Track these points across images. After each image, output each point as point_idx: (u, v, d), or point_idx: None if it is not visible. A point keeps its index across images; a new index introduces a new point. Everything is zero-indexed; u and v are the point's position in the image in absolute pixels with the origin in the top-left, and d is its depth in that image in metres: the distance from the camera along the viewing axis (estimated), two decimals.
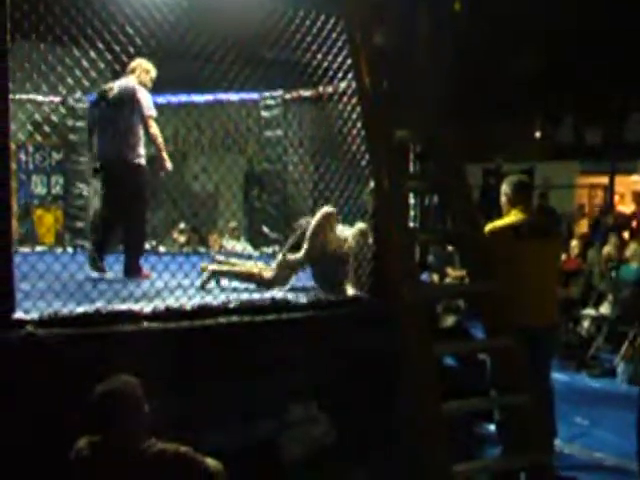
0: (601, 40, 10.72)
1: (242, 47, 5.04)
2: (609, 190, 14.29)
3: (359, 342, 4.50)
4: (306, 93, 6.89)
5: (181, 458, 2.82)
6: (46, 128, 5.81)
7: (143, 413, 2.84)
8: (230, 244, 8.96)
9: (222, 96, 7.38)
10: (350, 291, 4.95)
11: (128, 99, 5.67)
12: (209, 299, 4.47)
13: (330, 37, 5.06)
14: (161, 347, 3.89)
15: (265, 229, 7.89)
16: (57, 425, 3.36)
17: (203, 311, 4.22)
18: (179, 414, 3.64)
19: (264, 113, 7.67)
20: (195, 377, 3.93)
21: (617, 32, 10.45)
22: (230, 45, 4.99)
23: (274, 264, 5.36)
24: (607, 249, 9.17)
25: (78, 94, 7.33)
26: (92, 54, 5.36)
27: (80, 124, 7.78)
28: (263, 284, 5.20)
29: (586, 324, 8.29)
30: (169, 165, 5.82)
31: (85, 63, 5.27)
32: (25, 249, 7.40)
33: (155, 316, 4.03)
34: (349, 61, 4.84)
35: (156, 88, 6.01)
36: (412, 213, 5.54)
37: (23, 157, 8.70)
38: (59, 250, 7.47)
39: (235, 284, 5.31)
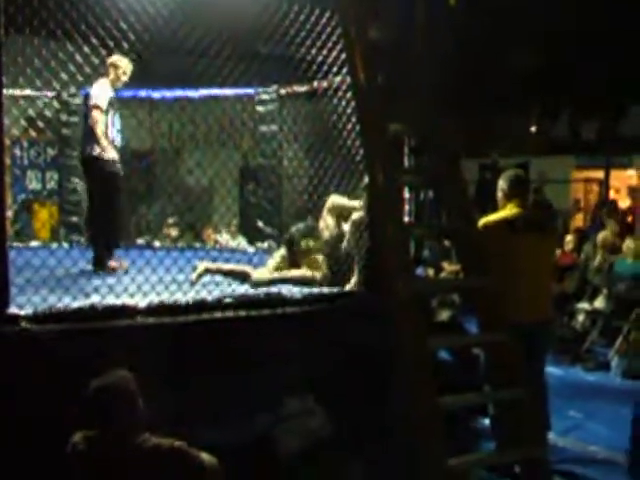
0: (599, 37, 10.73)
1: (236, 42, 5.03)
2: (604, 185, 14.29)
3: (354, 336, 4.50)
4: (301, 88, 6.88)
5: (176, 452, 2.82)
6: (40, 123, 5.81)
7: (138, 408, 2.84)
8: (224, 239, 8.95)
9: (217, 91, 7.37)
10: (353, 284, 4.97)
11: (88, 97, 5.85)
12: (204, 294, 4.47)
13: (324, 31, 5.05)
14: (156, 342, 3.90)
15: (260, 224, 7.89)
16: (52, 420, 3.35)
17: (198, 306, 4.22)
18: (174, 409, 3.64)
19: (259, 108, 7.66)
20: (190, 372, 3.92)
21: (615, 30, 10.46)
22: (224, 40, 4.98)
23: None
24: (604, 234, 9.06)
25: (72, 89, 7.32)
26: (86, 49, 5.36)
27: (74, 119, 7.75)
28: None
29: (581, 318, 8.28)
30: (109, 156, 5.79)
31: (79, 58, 5.27)
32: (20, 244, 7.38)
33: (150, 311, 4.03)
34: (344, 55, 4.83)
35: (150, 83, 6.02)
36: (407, 207, 5.54)
37: (18, 152, 8.69)
38: (54, 245, 7.46)
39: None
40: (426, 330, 3.80)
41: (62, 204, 8.11)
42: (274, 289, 4.81)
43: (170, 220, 9.20)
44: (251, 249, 7.87)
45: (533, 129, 16.96)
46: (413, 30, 4.84)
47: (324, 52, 5.10)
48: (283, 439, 4.26)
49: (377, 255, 4.68)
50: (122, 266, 5.64)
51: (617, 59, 11.12)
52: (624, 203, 15.46)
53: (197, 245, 8.49)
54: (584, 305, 8.40)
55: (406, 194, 5.47)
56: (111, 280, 4.46)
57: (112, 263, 5.70)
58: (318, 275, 5.26)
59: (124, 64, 5.88)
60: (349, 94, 5.02)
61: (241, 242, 8.73)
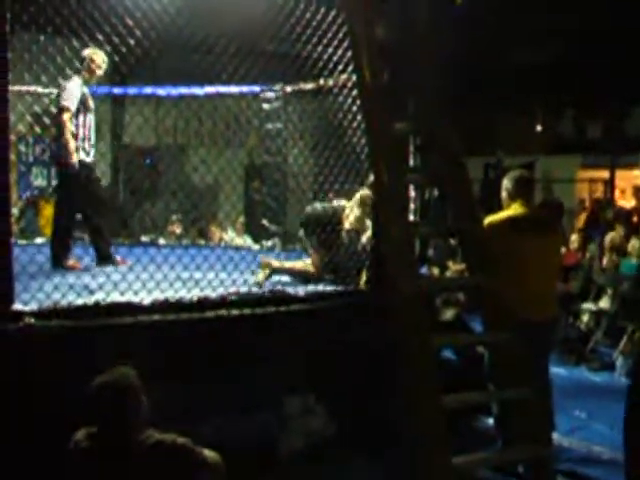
0: (603, 35, 10.69)
1: (242, 39, 5.02)
2: (609, 184, 14.24)
3: (358, 334, 4.50)
4: (306, 86, 6.88)
5: (179, 449, 2.82)
6: (46, 120, 5.81)
7: (141, 405, 2.84)
8: (230, 237, 8.96)
9: (222, 89, 7.37)
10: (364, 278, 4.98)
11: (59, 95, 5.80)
12: (208, 291, 4.47)
13: (330, 29, 5.05)
14: (160, 339, 3.90)
15: (265, 222, 7.89)
16: (56, 417, 3.36)
17: (202, 304, 4.22)
18: (177, 406, 3.64)
19: (264, 106, 7.66)
20: (194, 370, 3.93)
21: (619, 28, 10.41)
22: (230, 37, 4.98)
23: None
24: (612, 235, 9.06)
25: None
26: (92, 46, 5.37)
27: None
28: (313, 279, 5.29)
29: (585, 318, 8.28)
30: (73, 160, 5.70)
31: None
32: (25, 241, 7.39)
33: (154, 308, 4.04)
34: (349, 53, 4.83)
35: (155, 80, 6.01)
36: (412, 206, 5.53)
37: (23, 149, 8.70)
38: None
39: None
40: (430, 329, 3.80)
41: None
42: (279, 287, 4.81)
43: (174, 217, 9.22)
44: (256, 247, 7.87)
45: (538, 128, 16.93)
46: (418, 29, 4.83)
47: (330, 50, 5.10)
48: (285, 439, 4.26)
49: (382, 253, 4.68)
50: (76, 265, 5.76)
51: (619, 54, 11.08)
52: (629, 203, 15.41)
53: (202, 242, 8.49)
54: (589, 305, 8.38)
55: (411, 193, 5.47)
56: (116, 277, 4.46)
57: (70, 262, 5.77)
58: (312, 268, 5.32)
59: (99, 58, 5.80)
60: (354, 92, 5.02)
61: (246, 240, 8.74)
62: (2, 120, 3.62)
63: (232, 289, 4.57)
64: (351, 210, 5.37)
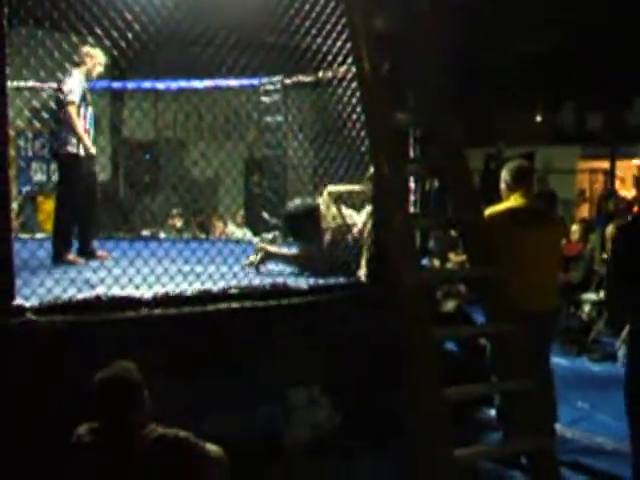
0: (603, 25, 10.65)
1: (241, 31, 5.00)
2: (610, 175, 14.20)
3: (360, 326, 4.50)
4: (306, 78, 6.85)
5: (181, 443, 2.81)
6: (44, 114, 5.80)
7: (143, 399, 2.83)
8: (230, 230, 8.95)
9: (221, 82, 7.35)
10: (362, 275, 4.97)
11: (59, 92, 5.81)
12: (209, 285, 4.46)
13: (330, 21, 5.02)
14: (162, 333, 3.90)
15: (265, 215, 7.88)
16: (57, 413, 3.36)
17: (204, 297, 4.22)
18: (180, 400, 3.64)
19: (264, 98, 7.64)
20: (196, 363, 3.92)
21: (618, 18, 10.38)
22: (229, 29, 4.96)
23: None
24: (614, 225, 9.03)
25: None
26: (90, 40, 5.35)
27: None
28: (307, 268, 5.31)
29: (587, 308, 8.27)
30: (91, 150, 5.84)
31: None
32: (25, 236, 7.38)
33: (156, 302, 4.03)
34: (349, 45, 4.81)
35: (155, 73, 5.99)
36: (412, 198, 5.52)
37: (22, 144, 8.68)
38: None
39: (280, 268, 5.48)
40: (432, 320, 3.79)
41: None
42: (280, 280, 4.80)
43: (175, 211, 9.22)
44: (256, 239, 7.85)
45: (538, 118, 16.90)
46: (418, 20, 4.81)
47: (329, 42, 5.08)
48: (290, 431, 4.27)
49: (383, 245, 4.67)
50: (76, 260, 5.76)
51: (618, 44, 11.05)
52: (630, 193, 15.39)
53: (202, 236, 8.48)
54: (590, 295, 8.37)
55: (412, 184, 5.46)
56: (117, 271, 4.45)
57: (70, 256, 5.79)
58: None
59: (98, 54, 5.84)
60: (354, 84, 5.00)
61: (247, 233, 8.74)
62: (1, 115, 3.60)
63: (233, 282, 4.56)
64: (327, 208, 5.40)
